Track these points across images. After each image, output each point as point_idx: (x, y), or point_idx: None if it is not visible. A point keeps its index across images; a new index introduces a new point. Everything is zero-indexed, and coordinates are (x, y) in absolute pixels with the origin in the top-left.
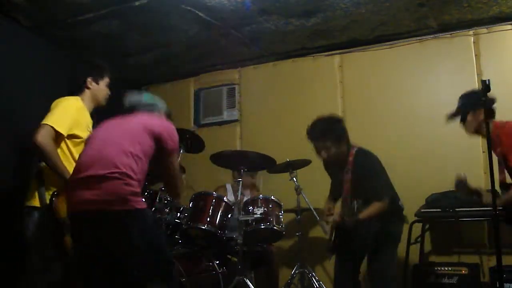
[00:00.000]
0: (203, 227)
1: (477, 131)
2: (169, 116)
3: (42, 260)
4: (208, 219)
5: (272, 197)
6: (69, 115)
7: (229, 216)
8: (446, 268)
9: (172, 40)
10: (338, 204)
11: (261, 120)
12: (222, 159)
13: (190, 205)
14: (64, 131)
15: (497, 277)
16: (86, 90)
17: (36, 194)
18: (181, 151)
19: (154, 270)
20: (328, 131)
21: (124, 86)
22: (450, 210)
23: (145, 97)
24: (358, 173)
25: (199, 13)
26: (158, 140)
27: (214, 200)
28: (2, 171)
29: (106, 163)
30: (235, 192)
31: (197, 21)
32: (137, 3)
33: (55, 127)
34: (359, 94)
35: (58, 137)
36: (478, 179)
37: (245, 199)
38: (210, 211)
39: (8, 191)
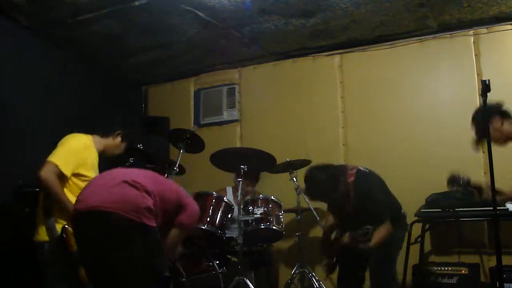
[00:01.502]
0: (203, 227)
1: (507, 138)
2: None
3: None
4: (208, 219)
5: (272, 197)
6: (76, 154)
7: (229, 216)
8: (446, 268)
9: (172, 40)
10: None
11: (261, 120)
12: (222, 157)
13: None
14: (68, 172)
15: (497, 277)
16: (107, 139)
17: (44, 228)
18: (181, 151)
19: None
20: (322, 192)
21: (124, 86)
22: (450, 210)
23: None
24: (361, 195)
25: (199, 13)
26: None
27: (214, 200)
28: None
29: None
30: (235, 195)
31: (197, 21)
32: (137, 3)
33: (59, 166)
34: (359, 94)
35: (62, 176)
36: (478, 179)
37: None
38: (210, 211)
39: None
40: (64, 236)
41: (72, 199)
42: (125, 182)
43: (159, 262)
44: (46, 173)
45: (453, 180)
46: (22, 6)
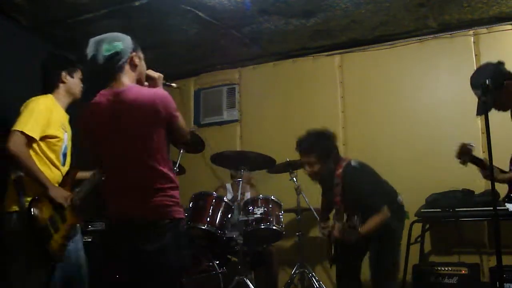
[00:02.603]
0: (203, 227)
1: None
2: (137, 44)
3: (23, 268)
4: (208, 219)
5: (272, 197)
6: (39, 116)
7: (229, 216)
8: (446, 268)
9: (172, 40)
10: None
11: (261, 120)
12: (222, 159)
13: (190, 205)
14: (36, 135)
15: (497, 277)
16: (61, 85)
17: (16, 200)
18: (181, 151)
19: None
20: (314, 147)
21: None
22: (450, 210)
23: (105, 47)
24: (349, 189)
25: (199, 13)
26: (158, 122)
27: (214, 200)
28: None
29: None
30: (235, 192)
31: (197, 21)
32: (137, 3)
33: (25, 132)
34: (359, 94)
35: (30, 141)
36: (478, 178)
37: (245, 198)
38: (210, 211)
39: None
40: (32, 208)
41: (42, 167)
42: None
43: None
44: (14, 145)
45: (464, 150)
46: (22, 6)
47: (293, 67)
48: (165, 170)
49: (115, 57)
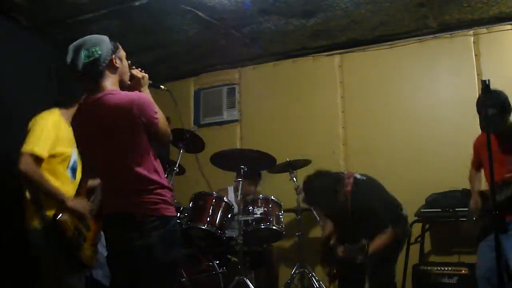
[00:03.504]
0: (203, 227)
1: None
2: (116, 45)
3: (57, 278)
4: (208, 219)
5: (272, 197)
6: (48, 135)
7: (229, 216)
8: (446, 268)
9: (172, 40)
10: None
11: (261, 120)
12: (222, 158)
13: (190, 205)
14: (44, 154)
15: (497, 277)
16: (74, 108)
17: (36, 217)
18: (181, 151)
19: None
20: (324, 195)
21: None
22: (450, 210)
23: (83, 54)
24: (358, 206)
25: (199, 13)
26: (133, 127)
27: (214, 200)
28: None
29: None
30: (236, 194)
31: (197, 21)
32: (137, 3)
33: (34, 152)
34: (359, 94)
35: (40, 161)
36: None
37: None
38: (210, 211)
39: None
40: (58, 223)
41: (54, 182)
42: None
43: None
44: (25, 166)
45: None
46: (22, 6)
47: (293, 67)
48: (147, 172)
49: (95, 63)
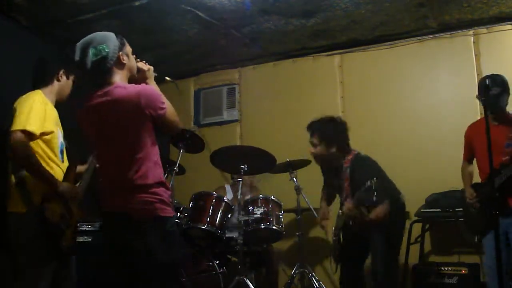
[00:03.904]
0: (203, 227)
1: None
2: (122, 41)
3: (35, 261)
4: (208, 219)
5: (272, 197)
6: (37, 112)
7: (229, 216)
8: (446, 268)
9: (172, 40)
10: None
11: (261, 120)
12: (222, 156)
13: (190, 205)
14: (37, 131)
15: (497, 277)
16: (55, 83)
17: (20, 201)
18: (181, 151)
19: None
20: (319, 129)
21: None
22: (450, 210)
23: (91, 52)
24: (357, 176)
25: (199, 13)
26: (142, 117)
27: (214, 200)
28: None
29: None
30: (234, 192)
31: (197, 21)
32: (137, 3)
33: (27, 129)
34: (359, 94)
35: (31, 139)
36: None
37: (245, 199)
38: (210, 211)
39: None
40: (46, 208)
41: (44, 165)
42: None
43: None
44: (17, 144)
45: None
46: (22, 6)
47: (293, 67)
48: (146, 167)
49: (102, 61)
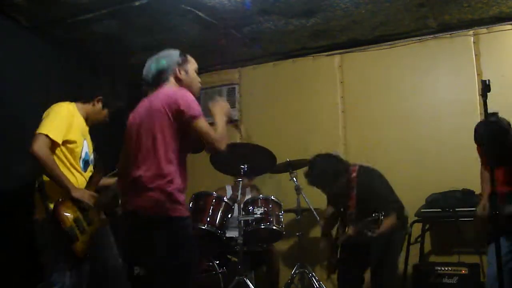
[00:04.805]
0: (203, 227)
1: None
2: (184, 58)
3: (53, 271)
4: (208, 219)
5: (272, 197)
6: (63, 121)
7: (229, 216)
8: (446, 268)
9: (172, 40)
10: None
11: (261, 120)
12: (222, 156)
13: (190, 205)
14: (59, 139)
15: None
16: (88, 105)
17: (41, 207)
18: None
19: None
20: (324, 175)
21: (124, 86)
22: (450, 210)
23: (152, 66)
24: (364, 189)
25: (199, 13)
26: (176, 118)
27: (214, 200)
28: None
29: None
30: (235, 193)
31: (197, 21)
32: (137, 3)
33: (49, 135)
34: (359, 94)
35: (53, 146)
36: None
37: (245, 199)
38: (210, 211)
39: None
40: (56, 213)
41: (64, 171)
42: None
43: None
44: (38, 148)
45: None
46: (22, 6)
47: (293, 67)
48: (167, 167)
49: (160, 75)
